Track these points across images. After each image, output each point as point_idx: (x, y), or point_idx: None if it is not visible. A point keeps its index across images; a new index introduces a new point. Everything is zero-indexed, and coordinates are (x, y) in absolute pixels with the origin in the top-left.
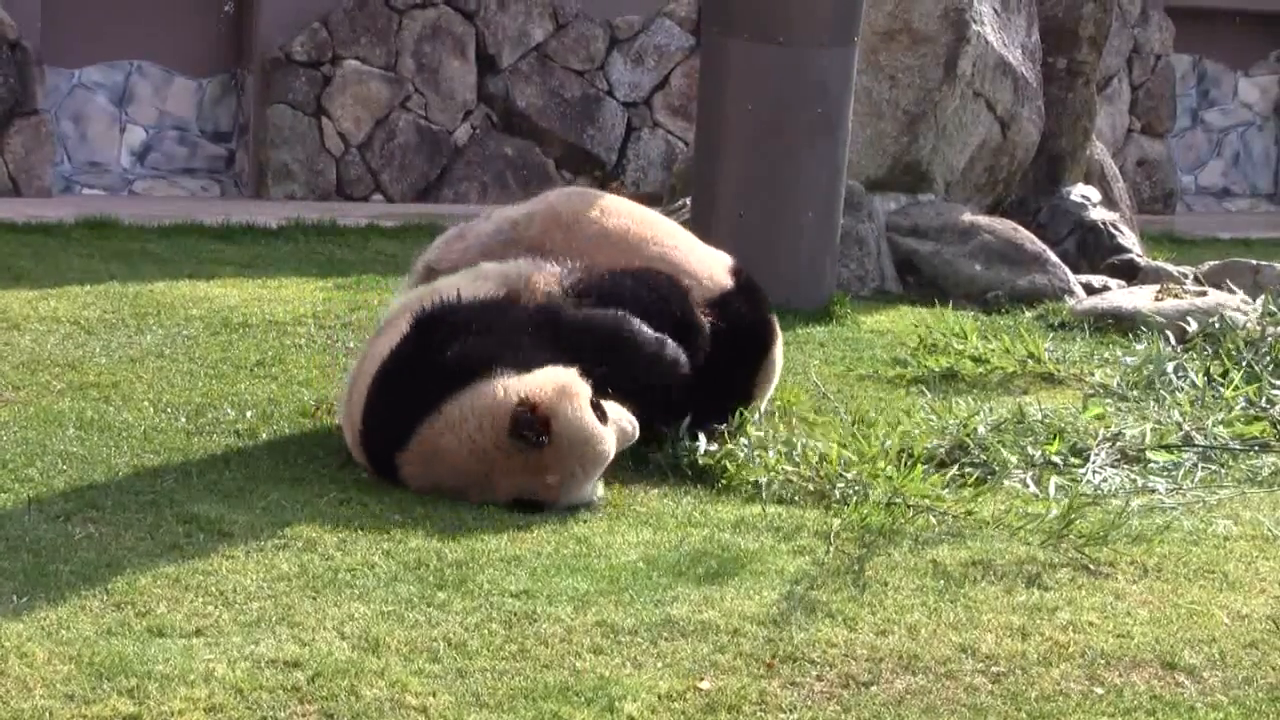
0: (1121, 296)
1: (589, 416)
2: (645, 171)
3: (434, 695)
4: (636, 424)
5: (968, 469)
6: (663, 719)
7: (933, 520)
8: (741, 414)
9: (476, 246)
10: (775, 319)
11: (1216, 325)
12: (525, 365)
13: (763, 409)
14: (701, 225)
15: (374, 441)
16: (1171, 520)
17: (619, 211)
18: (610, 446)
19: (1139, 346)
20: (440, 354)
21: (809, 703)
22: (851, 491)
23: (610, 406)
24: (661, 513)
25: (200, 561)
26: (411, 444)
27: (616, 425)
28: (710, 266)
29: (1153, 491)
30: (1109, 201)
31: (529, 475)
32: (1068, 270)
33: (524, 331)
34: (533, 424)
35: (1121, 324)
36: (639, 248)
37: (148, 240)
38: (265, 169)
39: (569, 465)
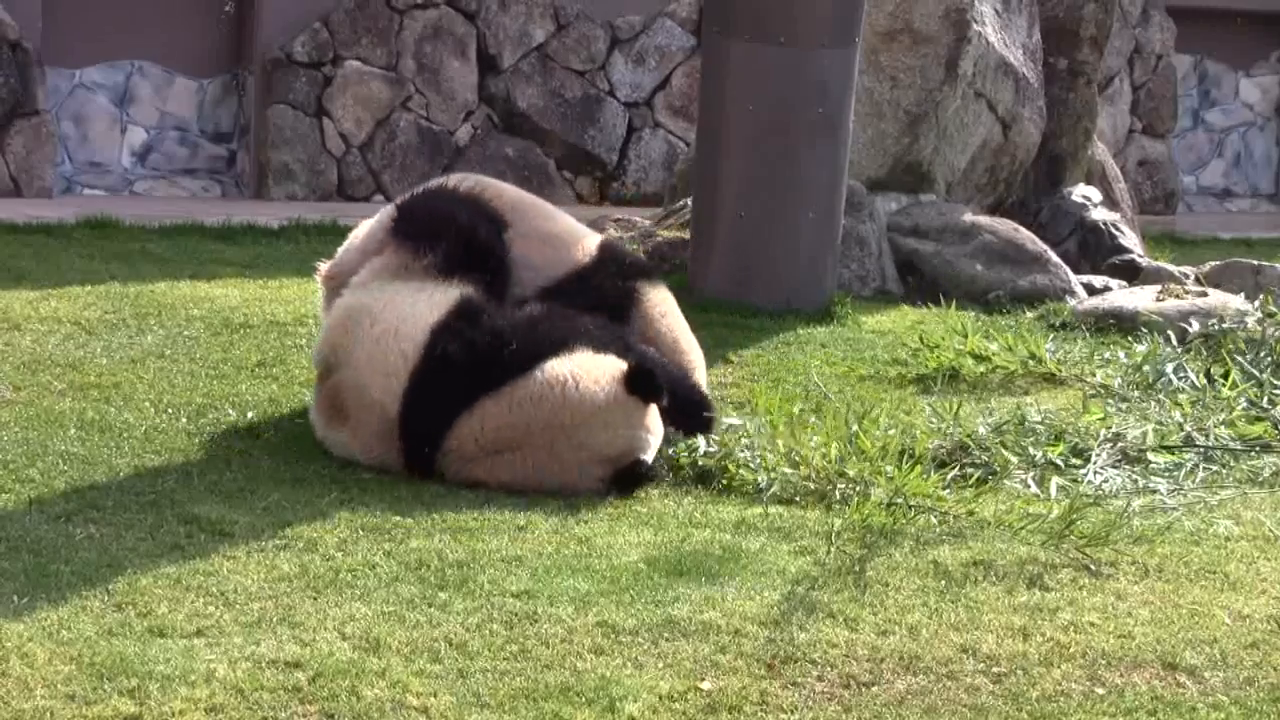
0: (1123, 297)
1: None
2: (646, 172)
3: (435, 695)
4: None
5: (969, 469)
6: (664, 719)
7: (934, 521)
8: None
9: (366, 241)
10: (644, 287)
11: (1218, 326)
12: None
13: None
14: (702, 225)
15: (420, 423)
16: (1173, 521)
17: (500, 194)
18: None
19: (1140, 347)
20: (519, 328)
21: (810, 703)
22: (852, 492)
23: None
24: (662, 513)
25: (201, 562)
26: (474, 416)
27: None
28: (580, 241)
29: (1154, 492)
30: (1110, 202)
31: (637, 429)
32: (1069, 270)
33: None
34: (652, 378)
35: (1123, 324)
36: (517, 224)
37: (149, 241)
38: (266, 169)
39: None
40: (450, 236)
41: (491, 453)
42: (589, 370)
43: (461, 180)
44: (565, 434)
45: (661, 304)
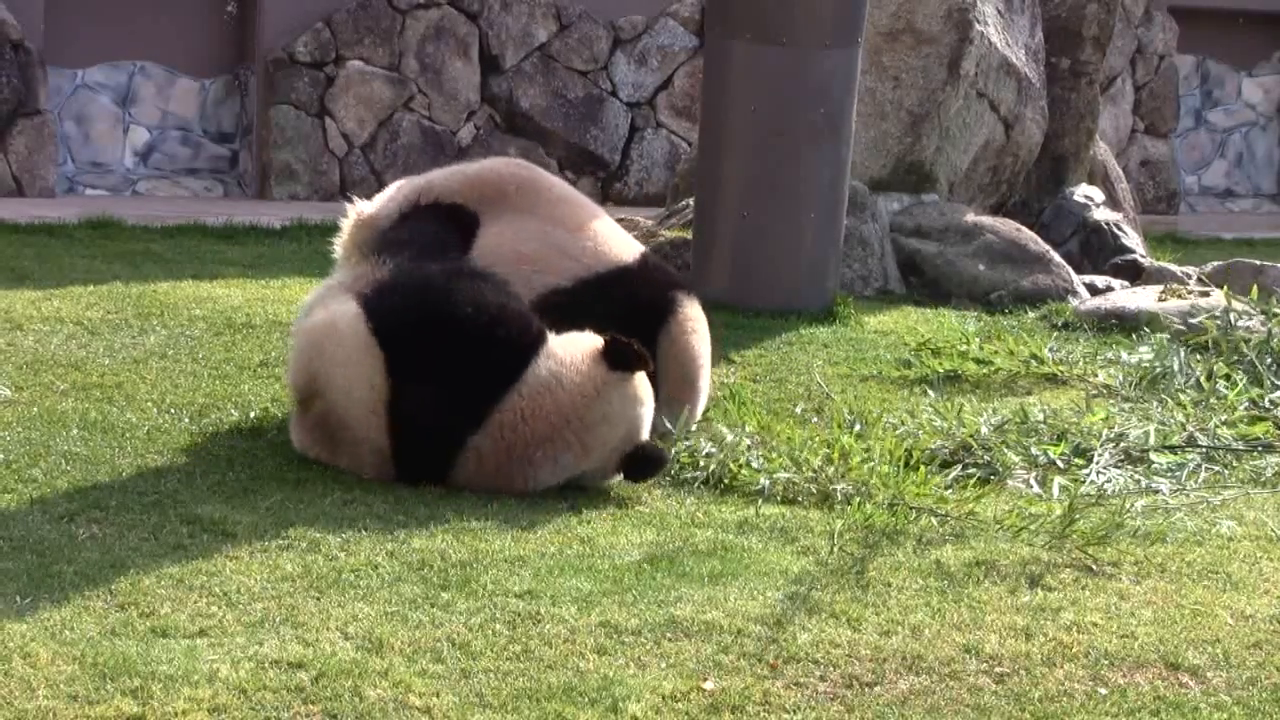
0: (1125, 297)
1: None
2: (649, 172)
3: (438, 696)
4: None
5: (971, 469)
6: (666, 719)
7: (935, 521)
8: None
9: (403, 203)
10: (682, 298)
11: (1220, 326)
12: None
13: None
14: (705, 225)
15: (414, 463)
16: (1175, 521)
17: (550, 186)
18: None
19: (1142, 347)
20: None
21: (812, 703)
22: (855, 492)
23: None
24: (665, 513)
25: (204, 562)
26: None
27: None
28: (624, 243)
29: (1156, 492)
30: (1112, 202)
31: (632, 408)
32: (1071, 271)
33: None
34: (631, 351)
35: (1125, 324)
36: (562, 215)
37: (151, 241)
38: (268, 169)
39: (648, 393)
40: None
41: (496, 476)
42: (568, 365)
43: (517, 167)
44: (565, 443)
45: (694, 320)
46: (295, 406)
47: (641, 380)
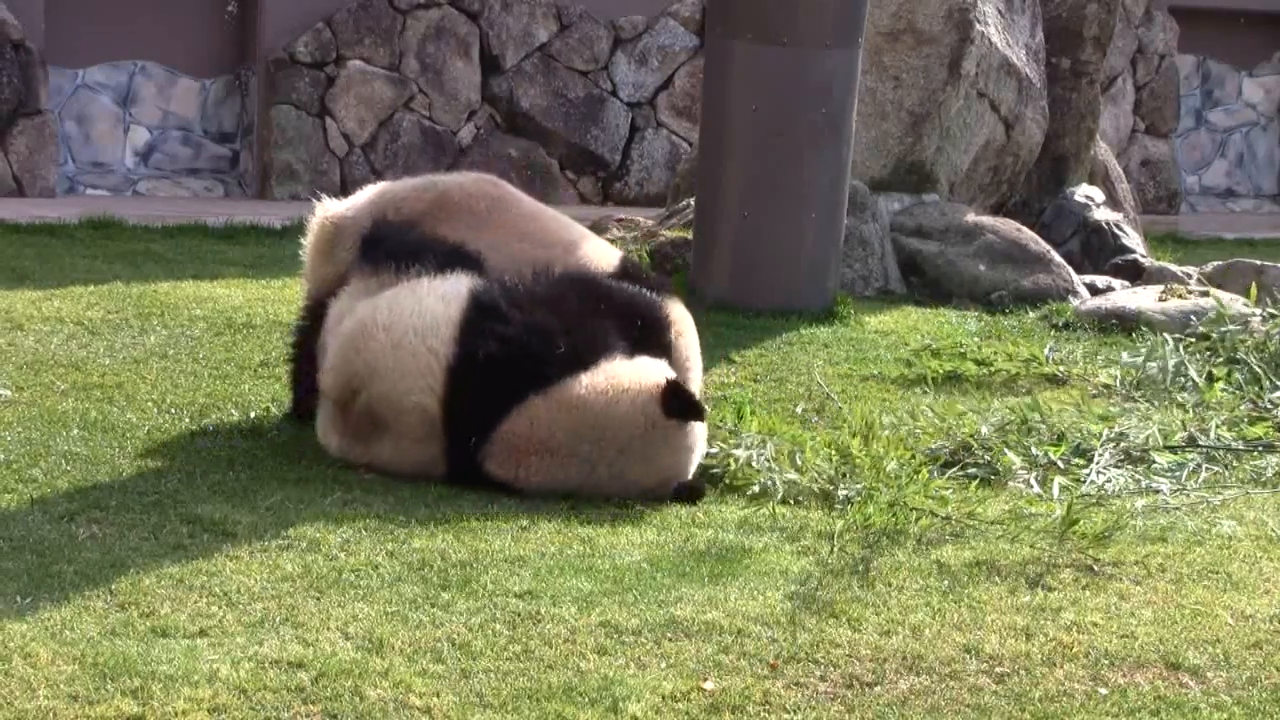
0: (1125, 297)
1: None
2: (649, 172)
3: (438, 695)
4: None
5: (971, 469)
6: (667, 719)
7: (937, 521)
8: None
9: (378, 200)
10: (670, 300)
11: (1220, 326)
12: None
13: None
14: (705, 225)
15: (465, 416)
16: (1175, 521)
17: (519, 200)
18: None
19: (1142, 347)
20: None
21: (813, 703)
22: (855, 492)
23: None
24: (665, 513)
25: (204, 562)
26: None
27: None
28: (603, 251)
29: (1156, 492)
30: (1113, 202)
31: (676, 454)
32: (1072, 271)
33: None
34: (690, 402)
35: (1125, 324)
36: (538, 232)
37: (152, 241)
38: (269, 169)
39: (701, 437)
40: (428, 253)
41: (536, 451)
42: (626, 388)
43: (490, 182)
44: (606, 459)
45: (685, 319)
46: (334, 412)
47: (696, 427)
